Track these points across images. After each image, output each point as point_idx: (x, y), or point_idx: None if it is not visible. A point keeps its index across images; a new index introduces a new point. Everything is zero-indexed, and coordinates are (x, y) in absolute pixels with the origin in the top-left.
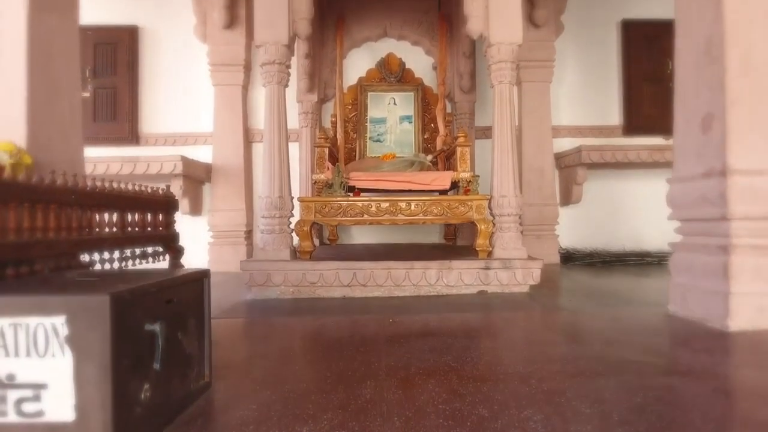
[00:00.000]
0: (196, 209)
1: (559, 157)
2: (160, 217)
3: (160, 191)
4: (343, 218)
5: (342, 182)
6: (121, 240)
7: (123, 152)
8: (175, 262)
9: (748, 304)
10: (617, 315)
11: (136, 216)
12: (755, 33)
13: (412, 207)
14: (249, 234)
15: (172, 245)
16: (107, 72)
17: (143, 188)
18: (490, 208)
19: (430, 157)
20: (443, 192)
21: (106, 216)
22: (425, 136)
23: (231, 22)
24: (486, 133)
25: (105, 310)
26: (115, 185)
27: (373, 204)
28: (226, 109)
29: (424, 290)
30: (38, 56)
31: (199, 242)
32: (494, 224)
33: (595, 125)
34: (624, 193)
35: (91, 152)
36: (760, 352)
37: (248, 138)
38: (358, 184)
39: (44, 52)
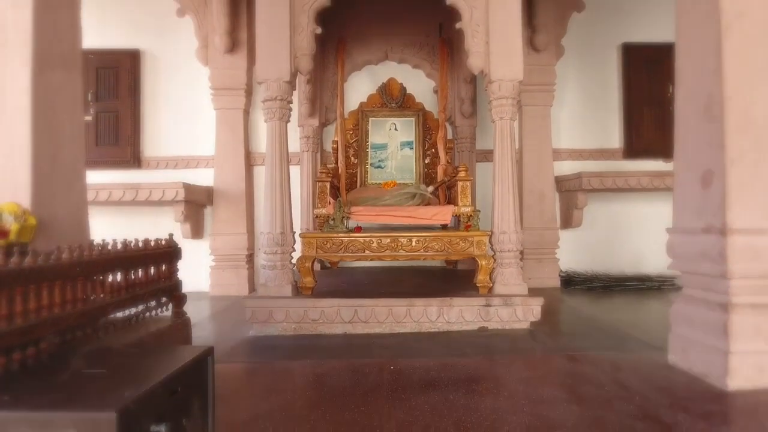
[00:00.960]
0: (197, 233)
1: (559, 181)
2: (164, 267)
3: (163, 241)
4: (345, 254)
5: (343, 217)
6: (125, 301)
7: (125, 176)
8: (178, 310)
9: (747, 363)
10: (617, 362)
11: (140, 272)
12: (756, 91)
13: (413, 243)
14: (250, 258)
15: (175, 294)
16: (109, 96)
17: (147, 242)
18: (490, 243)
19: (431, 188)
20: (444, 226)
21: (111, 277)
22: (426, 161)
23: (232, 47)
24: (487, 156)
25: (112, 425)
26: (119, 244)
27: (374, 240)
28: (227, 132)
29: (426, 326)
30: (42, 113)
31: (200, 266)
32: (495, 260)
33: (596, 148)
34: (624, 216)
35: (94, 176)
36: (758, 418)
37: (250, 161)
38: (360, 219)
39: (48, 108)
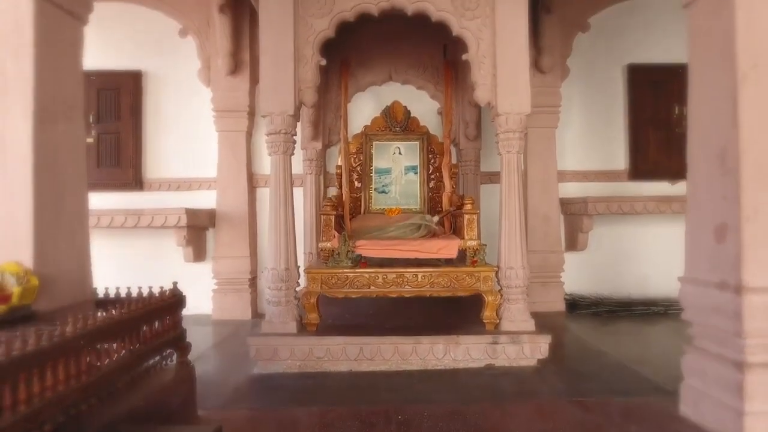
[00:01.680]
0: (199, 256)
1: (564, 203)
2: (168, 319)
3: (168, 291)
4: (350, 290)
5: (348, 251)
6: (131, 362)
7: (127, 198)
8: (183, 360)
9: (763, 424)
10: (628, 410)
11: (145, 328)
12: None
13: (419, 278)
14: (253, 281)
15: (180, 345)
16: (111, 117)
17: (152, 296)
18: (497, 277)
19: (436, 218)
20: (450, 260)
21: (116, 340)
22: (430, 185)
23: (235, 69)
24: (492, 178)
25: None
26: (123, 294)
27: (379, 275)
28: (229, 155)
29: (432, 364)
30: (44, 166)
31: (202, 288)
32: (501, 295)
33: (601, 170)
34: (630, 238)
35: (95, 199)
36: None
37: (252, 183)
38: (365, 253)
39: (50, 159)
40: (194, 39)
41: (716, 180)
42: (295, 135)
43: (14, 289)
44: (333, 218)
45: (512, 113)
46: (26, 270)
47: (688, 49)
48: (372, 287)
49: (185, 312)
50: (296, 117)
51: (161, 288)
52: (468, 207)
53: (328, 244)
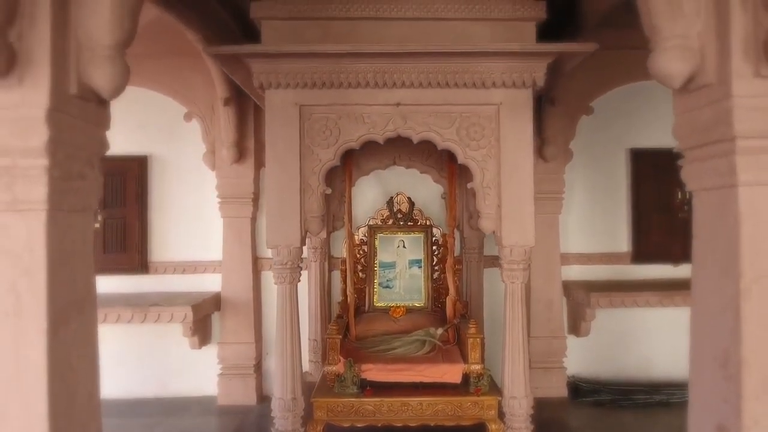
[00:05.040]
0: (204, 341)
1: (567, 287)
2: None
3: None
4: (356, 418)
5: (354, 377)
6: None
7: (132, 282)
8: None
9: None
10: None
11: None
12: None
13: (424, 406)
14: (258, 366)
15: None
16: (117, 203)
17: None
18: (500, 406)
19: (440, 331)
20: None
21: None
22: (434, 277)
23: (239, 158)
24: (494, 262)
25: None
26: None
27: (384, 404)
28: (234, 241)
29: None
30: (58, 372)
31: (207, 371)
32: (504, 423)
33: (604, 252)
34: (632, 320)
35: (100, 283)
36: None
37: (257, 267)
38: (371, 377)
39: (64, 364)
40: (199, 123)
41: (717, 381)
42: (302, 262)
43: None
44: (338, 341)
45: (517, 245)
46: None
47: (693, 232)
48: (377, 415)
49: (190, 394)
50: (302, 245)
51: None
52: (472, 331)
53: (334, 368)
